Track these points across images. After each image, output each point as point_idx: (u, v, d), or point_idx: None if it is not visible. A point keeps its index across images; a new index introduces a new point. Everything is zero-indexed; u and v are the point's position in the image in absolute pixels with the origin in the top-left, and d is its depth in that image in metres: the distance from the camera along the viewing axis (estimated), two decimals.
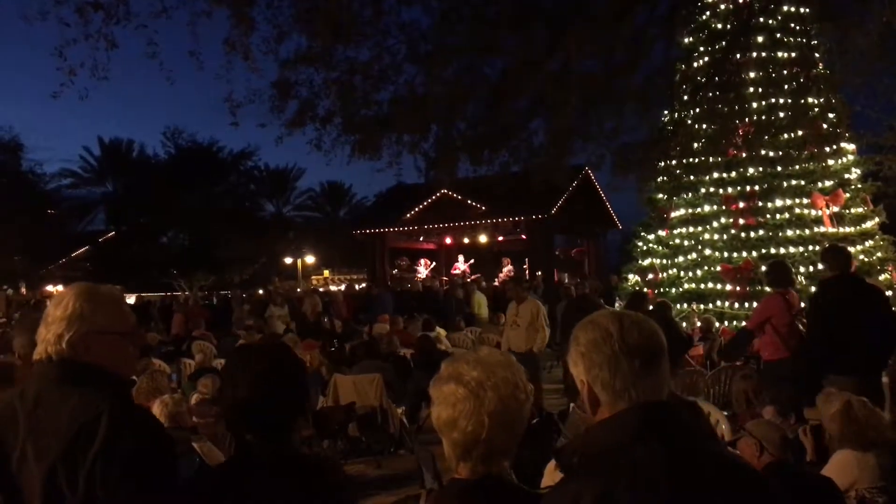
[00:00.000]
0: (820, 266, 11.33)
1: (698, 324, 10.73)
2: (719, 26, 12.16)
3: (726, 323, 10.83)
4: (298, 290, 24.21)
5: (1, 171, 30.40)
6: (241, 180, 39.57)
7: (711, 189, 12.95)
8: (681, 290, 12.64)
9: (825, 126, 12.05)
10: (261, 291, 23.98)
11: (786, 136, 12.15)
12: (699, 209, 13.10)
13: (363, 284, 25.00)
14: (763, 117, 12.03)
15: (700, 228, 12.99)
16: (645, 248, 14.09)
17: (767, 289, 7.91)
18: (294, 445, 2.12)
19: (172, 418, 4.98)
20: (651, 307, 9.15)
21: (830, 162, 12.49)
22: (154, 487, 1.82)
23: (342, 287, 25.49)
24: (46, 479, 1.77)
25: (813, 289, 10.88)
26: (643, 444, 1.46)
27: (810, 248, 11.74)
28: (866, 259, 12.04)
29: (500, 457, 1.77)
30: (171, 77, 7.49)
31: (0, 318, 21.32)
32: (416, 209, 24.25)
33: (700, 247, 12.87)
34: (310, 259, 38.51)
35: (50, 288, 27.71)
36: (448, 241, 27.24)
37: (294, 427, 2.10)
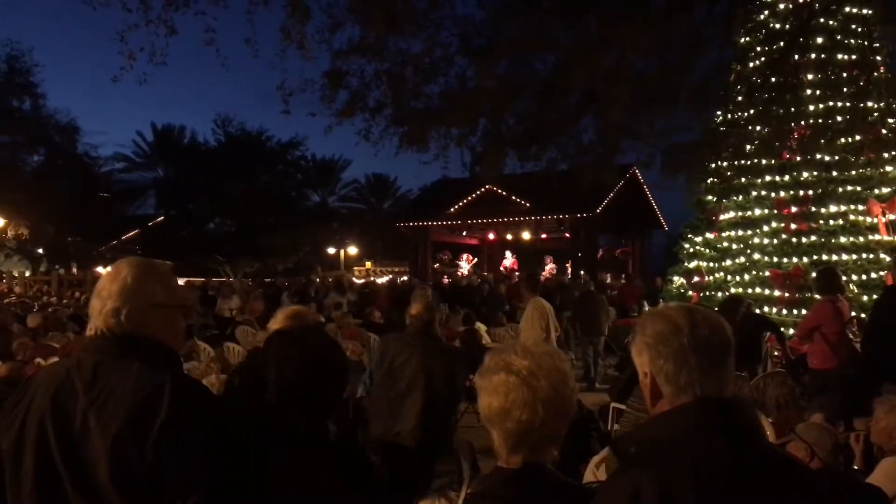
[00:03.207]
0: (873, 275, 11.06)
1: None
2: (777, 26, 11.91)
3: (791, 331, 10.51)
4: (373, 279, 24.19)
5: (57, 154, 31.21)
6: (288, 170, 40.02)
7: (763, 192, 12.68)
8: (727, 294, 12.42)
9: (884, 131, 11.72)
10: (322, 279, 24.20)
11: (843, 140, 11.83)
12: (750, 212, 12.84)
13: (404, 278, 25.11)
14: (820, 120, 11.74)
15: (750, 232, 12.74)
16: (692, 250, 13.88)
17: (817, 296, 7.71)
18: (328, 428, 2.14)
19: None
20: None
21: (888, 168, 12.13)
22: (217, 455, 1.85)
23: (385, 279, 25.62)
24: (113, 447, 1.80)
25: (865, 298, 10.64)
26: (706, 437, 1.44)
27: (864, 255, 11.43)
28: None
29: (551, 445, 1.77)
30: (225, 64, 7.61)
31: (51, 297, 21.98)
32: (461, 204, 24.28)
33: (749, 251, 12.63)
34: (353, 250, 38.82)
35: (100, 269, 28.40)
36: (491, 236, 27.21)
37: (331, 410, 2.14)
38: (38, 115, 29.47)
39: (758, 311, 10.24)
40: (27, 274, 31.44)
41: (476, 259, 27.64)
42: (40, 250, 32.97)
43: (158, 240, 34.16)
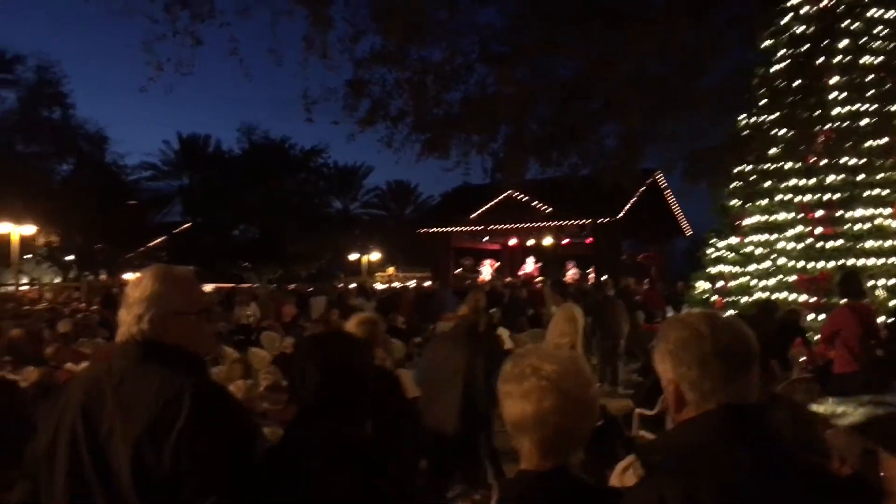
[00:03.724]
0: None
1: None
2: (801, 29, 11.82)
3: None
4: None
5: (86, 163, 31.70)
6: (311, 177, 40.34)
7: (788, 196, 12.57)
8: (752, 299, 12.32)
9: None
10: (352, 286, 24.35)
11: (869, 143, 11.70)
12: (774, 217, 12.73)
13: (428, 283, 25.16)
14: (845, 124, 11.62)
15: (775, 236, 12.63)
16: (715, 255, 13.78)
17: (841, 301, 7.65)
18: (360, 432, 2.18)
19: (243, 403, 5.16)
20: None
21: None
22: (234, 459, 1.89)
23: (409, 284, 25.68)
24: (134, 452, 1.85)
25: (893, 302, 10.51)
26: (729, 446, 1.45)
27: (891, 260, 11.29)
28: None
29: (579, 448, 1.78)
30: (249, 73, 7.73)
31: (81, 303, 22.29)
32: (482, 210, 24.29)
33: (774, 255, 12.52)
34: (375, 256, 38.99)
35: (128, 276, 28.78)
36: (513, 242, 27.19)
37: (360, 415, 2.18)
38: (68, 125, 29.98)
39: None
40: (57, 281, 31.96)
41: (498, 264, 27.64)
42: (70, 257, 33.50)
43: (184, 246, 34.57)
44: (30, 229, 23.80)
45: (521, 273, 25.52)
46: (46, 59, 28.69)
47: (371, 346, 4.21)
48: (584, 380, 1.76)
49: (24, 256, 29.73)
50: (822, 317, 11.05)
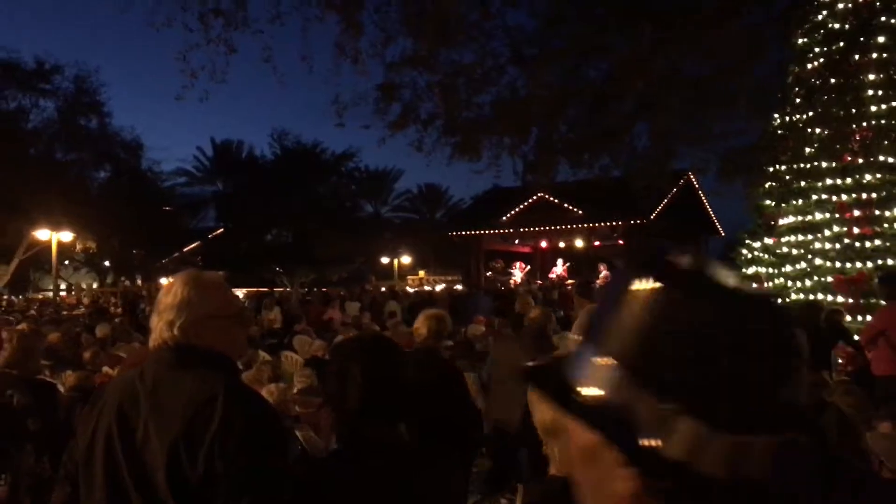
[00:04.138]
0: None
1: None
2: (836, 26, 11.61)
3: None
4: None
5: (123, 170, 32.26)
6: (342, 181, 40.59)
7: (824, 196, 12.37)
8: (788, 300, 12.12)
9: None
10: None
11: None
12: (810, 216, 12.53)
13: (458, 286, 25.17)
14: (882, 121, 11.40)
15: (811, 237, 12.43)
16: (750, 256, 13.61)
17: (882, 301, 7.49)
18: (394, 435, 2.18)
19: (276, 407, 5.19)
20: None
21: None
22: (268, 463, 1.91)
23: (439, 287, 25.73)
24: (169, 455, 1.86)
25: None
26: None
27: None
28: None
29: None
30: (282, 80, 7.81)
31: (118, 308, 22.70)
32: (513, 212, 24.24)
33: (810, 256, 12.32)
34: (406, 259, 39.09)
35: (163, 280, 29.24)
36: (544, 244, 27.08)
37: (400, 419, 2.18)
38: (105, 133, 30.50)
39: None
40: (94, 286, 32.57)
41: (529, 267, 27.54)
42: (107, 263, 34.12)
43: (218, 251, 34.99)
44: (68, 235, 24.31)
45: (551, 275, 25.40)
46: (85, 68, 29.24)
47: (439, 340, 4.54)
48: None
49: (63, 262, 30.37)
50: (859, 318, 10.86)
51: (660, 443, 0.63)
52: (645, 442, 0.64)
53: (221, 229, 39.28)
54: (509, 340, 6.23)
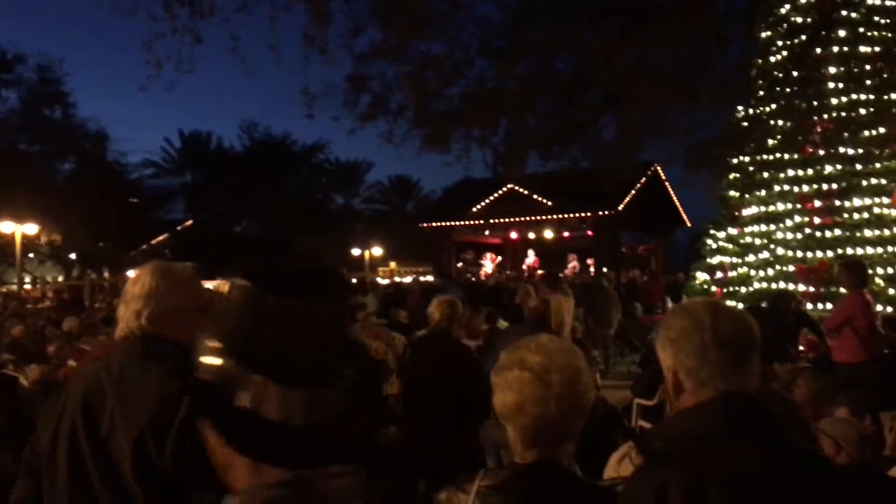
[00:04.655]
0: None
1: None
2: (799, 20, 11.81)
3: None
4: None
5: (88, 161, 31.74)
6: (313, 173, 40.39)
7: (786, 187, 12.58)
8: (751, 289, 12.35)
9: None
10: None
11: (867, 133, 11.71)
12: (773, 207, 12.75)
13: (429, 277, 25.21)
14: (843, 114, 11.63)
15: (773, 227, 12.65)
16: (715, 246, 13.80)
17: (843, 290, 7.67)
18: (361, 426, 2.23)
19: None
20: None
21: None
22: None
23: (410, 279, 25.73)
24: (135, 445, 1.87)
25: (892, 291, 10.54)
26: (735, 436, 1.44)
27: (889, 249, 11.31)
28: None
29: (567, 441, 1.76)
30: (250, 70, 7.74)
31: (85, 301, 22.35)
32: (483, 204, 24.32)
33: (773, 246, 12.54)
34: (377, 251, 39.02)
35: (131, 273, 28.84)
36: (514, 235, 27.20)
37: (361, 411, 2.23)
38: (69, 124, 29.97)
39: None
40: (60, 279, 32.04)
41: (500, 258, 27.66)
42: (73, 256, 33.56)
43: (187, 243, 34.62)
44: (32, 228, 23.84)
45: (524, 266, 25.56)
46: (48, 58, 28.69)
47: (451, 323, 5.02)
48: (572, 373, 1.74)
49: (27, 255, 29.82)
50: (820, 306, 11.11)
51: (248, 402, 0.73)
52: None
53: (190, 221, 38.85)
54: (514, 331, 6.39)
